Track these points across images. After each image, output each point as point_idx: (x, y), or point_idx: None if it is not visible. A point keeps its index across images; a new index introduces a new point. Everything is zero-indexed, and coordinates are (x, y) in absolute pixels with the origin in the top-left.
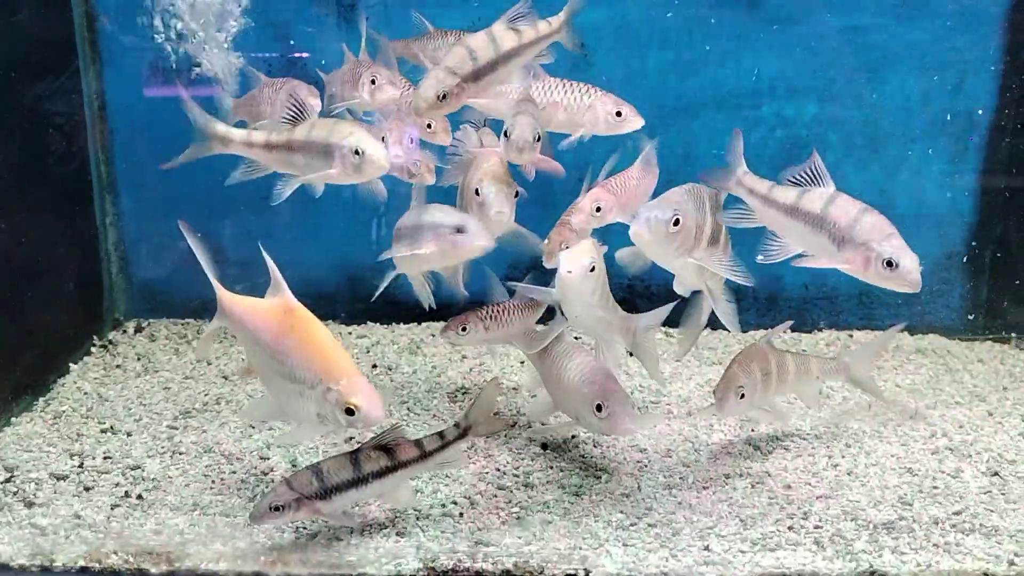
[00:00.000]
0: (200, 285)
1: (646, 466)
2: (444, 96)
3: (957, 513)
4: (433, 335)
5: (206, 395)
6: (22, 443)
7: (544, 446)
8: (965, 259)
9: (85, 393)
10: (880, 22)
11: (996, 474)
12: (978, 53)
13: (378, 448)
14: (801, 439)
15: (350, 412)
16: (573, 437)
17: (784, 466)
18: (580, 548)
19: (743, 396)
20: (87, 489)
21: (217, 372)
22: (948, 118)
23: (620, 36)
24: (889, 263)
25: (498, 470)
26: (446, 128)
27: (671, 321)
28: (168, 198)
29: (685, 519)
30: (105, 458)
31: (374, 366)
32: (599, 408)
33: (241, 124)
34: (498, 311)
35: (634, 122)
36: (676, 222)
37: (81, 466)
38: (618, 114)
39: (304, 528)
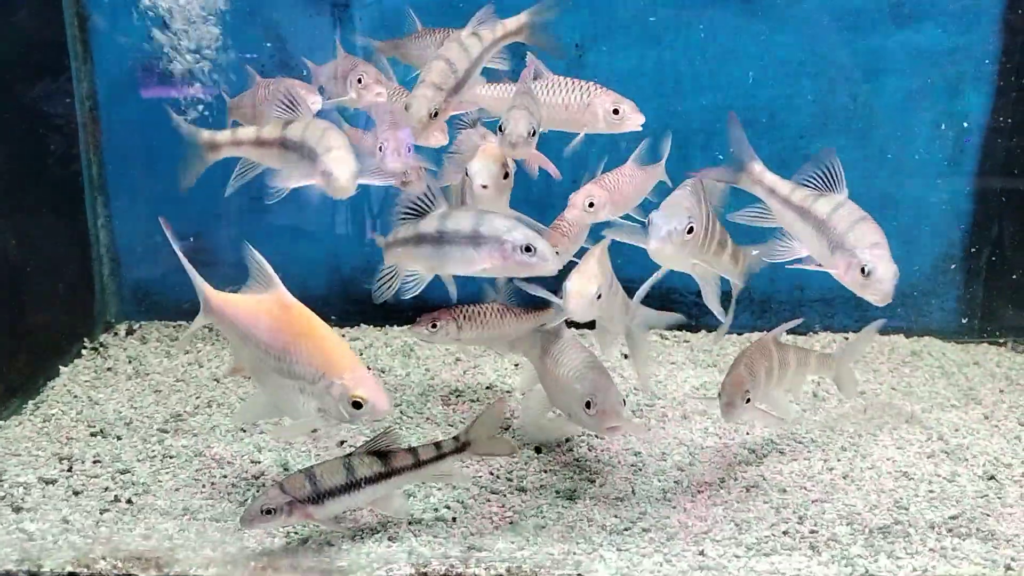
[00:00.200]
0: (192, 287)
1: (640, 470)
2: (435, 113)
3: (953, 517)
4: None
5: (197, 398)
6: (10, 447)
7: (538, 449)
8: (961, 261)
9: (75, 396)
10: (877, 22)
11: (992, 478)
12: (974, 54)
13: (372, 454)
14: (796, 443)
15: (356, 405)
16: (567, 440)
17: (779, 470)
18: (574, 553)
19: (749, 400)
20: (76, 493)
21: (209, 375)
22: (944, 120)
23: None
24: (864, 270)
25: (491, 474)
26: (443, 128)
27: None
28: (160, 200)
29: (679, 523)
30: (95, 462)
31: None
32: (588, 404)
33: (236, 125)
34: (474, 312)
35: (633, 120)
36: (690, 229)
37: (70, 470)
38: (616, 112)
39: (295, 533)
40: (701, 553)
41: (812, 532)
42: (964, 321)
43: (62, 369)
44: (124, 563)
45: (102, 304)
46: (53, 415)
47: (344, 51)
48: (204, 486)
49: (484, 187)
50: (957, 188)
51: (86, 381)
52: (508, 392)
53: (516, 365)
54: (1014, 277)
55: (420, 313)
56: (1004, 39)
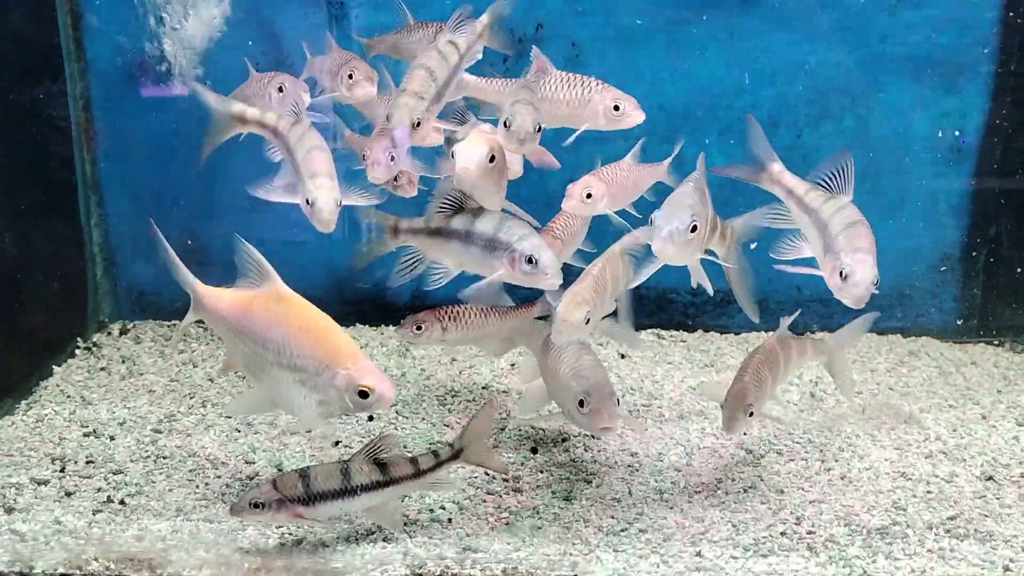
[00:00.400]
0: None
1: (637, 470)
2: (418, 123)
3: (951, 518)
4: None
5: (191, 398)
6: (2, 447)
7: (534, 450)
8: (959, 261)
9: (68, 396)
10: (874, 22)
11: (990, 478)
12: (971, 54)
13: (371, 461)
14: (794, 443)
15: (363, 395)
16: (563, 440)
17: (776, 470)
18: (570, 554)
19: (751, 414)
20: (68, 494)
21: (203, 375)
22: (942, 120)
23: None
24: (842, 273)
25: (487, 475)
26: (438, 128)
27: (665, 322)
28: (154, 199)
29: (676, 524)
30: (87, 462)
31: None
32: (582, 403)
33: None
34: (459, 312)
35: (634, 117)
36: (694, 228)
37: (63, 471)
38: (616, 108)
39: (289, 534)
40: (698, 554)
41: (810, 533)
42: (962, 321)
43: (55, 369)
44: (117, 564)
45: (95, 303)
46: (46, 415)
47: (335, 45)
48: (198, 487)
49: (467, 169)
50: (955, 188)
51: (79, 381)
52: (504, 392)
53: (512, 365)
54: (1012, 277)
55: (417, 313)
56: (1002, 39)
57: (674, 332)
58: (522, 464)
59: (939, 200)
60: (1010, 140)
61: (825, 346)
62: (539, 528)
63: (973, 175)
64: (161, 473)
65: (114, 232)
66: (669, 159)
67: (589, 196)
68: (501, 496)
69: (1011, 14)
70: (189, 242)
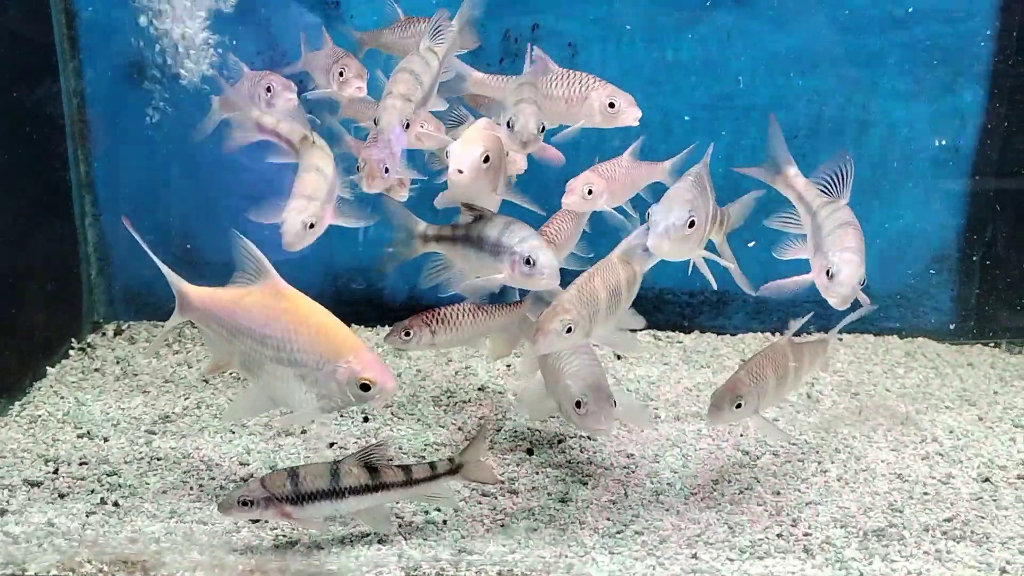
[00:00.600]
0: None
1: (633, 472)
2: (407, 125)
3: (948, 520)
4: None
5: (186, 399)
6: None
7: (530, 451)
8: (955, 262)
9: (62, 397)
10: (871, 22)
11: (987, 480)
12: (969, 54)
13: (362, 465)
14: (790, 444)
15: (364, 388)
16: (560, 442)
17: (773, 472)
18: (566, 556)
19: (739, 406)
20: (62, 496)
21: (197, 376)
22: (938, 120)
23: None
24: (828, 272)
25: None
26: (439, 127)
27: (661, 323)
28: (148, 198)
29: (672, 526)
30: (81, 464)
31: None
32: (578, 404)
33: (226, 121)
34: (446, 314)
35: (629, 114)
36: (692, 223)
37: (56, 472)
38: (611, 105)
39: (283, 536)
40: (694, 556)
41: (806, 535)
42: (959, 322)
43: (49, 370)
44: (110, 567)
45: (90, 304)
46: (39, 416)
47: (330, 41)
48: (192, 488)
49: (460, 172)
50: (951, 189)
51: (73, 382)
52: (500, 392)
53: (508, 366)
54: (1008, 278)
55: (413, 314)
56: (999, 39)
57: (671, 333)
58: (518, 465)
59: (935, 201)
60: (1007, 141)
61: (827, 346)
62: (535, 530)
63: (969, 175)
64: (155, 475)
65: (109, 232)
66: (670, 160)
67: (590, 192)
68: (496, 498)
69: (1007, 11)
70: (188, 246)
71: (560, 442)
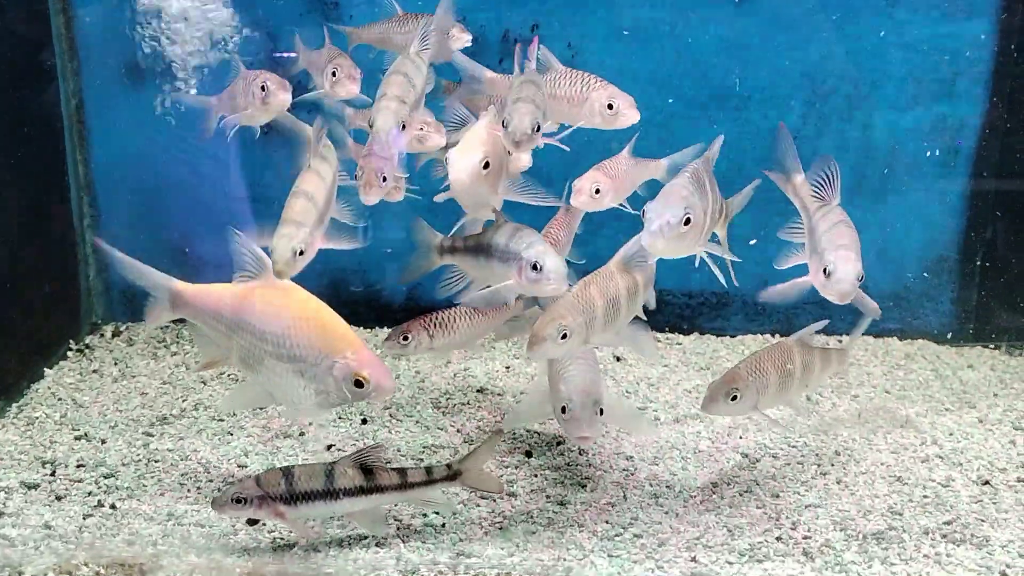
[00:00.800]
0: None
1: (632, 474)
2: (403, 126)
3: (948, 523)
4: None
5: (184, 401)
6: None
7: (528, 453)
8: (955, 264)
9: (60, 399)
10: (871, 23)
11: (987, 483)
12: (969, 56)
13: (358, 467)
14: (790, 447)
15: (359, 385)
16: (559, 444)
17: (772, 474)
18: (564, 559)
19: (735, 398)
20: (59, 498)
21: (195, 378)
22: (938, 121)
23: None
24: (825, 270)
25: None
26: (439, 129)
27: (660, 325)
28: (146, 200)
29: (672, 529)
30: (78, 466)
31: None
32: (564, 410)
33: (221, 119)
34: (443, 318)
35: (628, 116)
36: (687, 221)
37: (53, 474)
38: (610, 107)
39: (281, 538)
40: (693, 559)
41: (805, 538)
42: (959, 324)
43: (47, 371)
44: (107, 569)
45: (88, 305)
46: (37, 418)
47: (328, 40)
48: (189, 491)
49: (459, 179)
50: (951, 190)
51: (71, 383)
52: (499, 395)
53: (507, 368)
54: (1008, 280)
55: (411, 316)
56: (999, 40)
57: (670, 335)
58: (517, 468)
59: (936, 203)
60: (1007, 143)
61: (845, 355)
62: (533, 533)
63: (970, 177)
64: (153, 477)
65: (107, 234)
66: (667, 158)
67: (597, 191)
68: (495, 500)
69: (1008, 12)
70: (186, 249)
71: (559, 444)
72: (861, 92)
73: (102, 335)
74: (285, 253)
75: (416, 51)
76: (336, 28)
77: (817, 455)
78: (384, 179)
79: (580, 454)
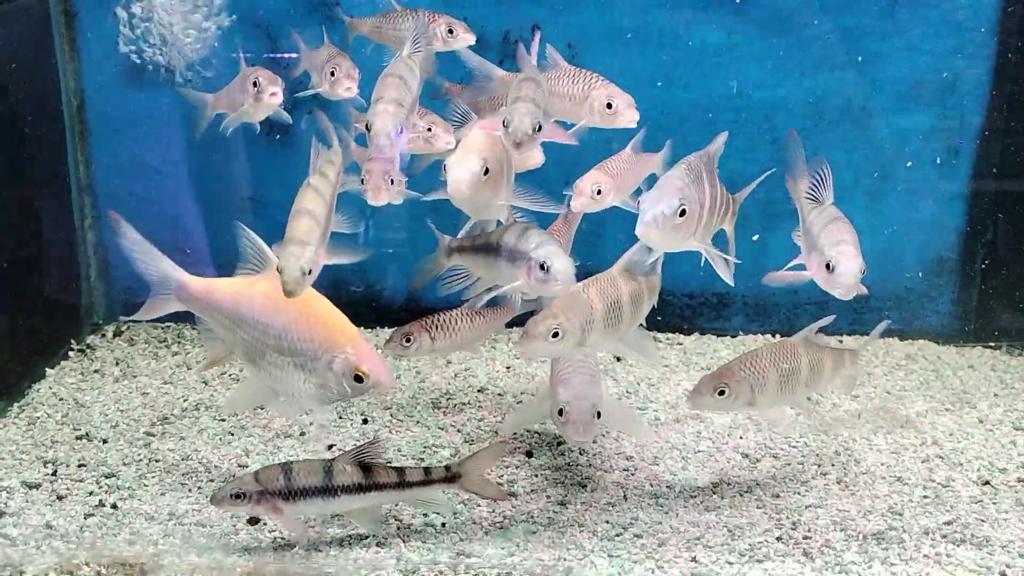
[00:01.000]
0: None
1: (632, 474)
2: (401, 129)
3: (948, 523)
4: None
5: (185, 401)
6: None
7: (529, 454)
8: (956, 264)
9: (61, 399)
10: (871, 25)
11: (987, 483)
12: (969, 57)
13: (356, 464)
14: (790, 447)
15: (358, 379)
16: (559, 444)
17: (773, 475)
18: (564, 559)
19: (722, 393)
20: (60, 498)
21: (197, 378)
22: (938, 122)
23: None
24: (828, 266)
25: None
26: (448, 129)
27: (661, 325)
28: (148, 199)
29: (672, 529)
30: (79, 466)
31: None
32: (560, 412)
33: (221, 117)
34: (445, 319)
35: (626, 116)
36: (682, 212)
37: (54, 474)
38: (609, 106)
39: (282, 538)
40: (694, 559)
41: (806, 538)
42: (959, 324)
43: (48, 371)
44: (108, 569)
45: (89, 305)
46: (38, 418)
47: (327, 40)
48: (191, 490)
49: (457, 187)
50: (952, 191)
51: (72, 383)
52: (500, 395)
53: (508, 368)
54: (1009, 280)
55: (412, 317)
56: (999, 42)
57: (670, 335)
58: (517, 467)
59: (936, 203)
60: (1007, 143)
61: (856, 357)
62: (533, 533)
63: (970, 178)
64: (154, 476)
65: (108, 233)
66: (662, 152)
67: (599, 192)
68: (495, 501)
69: (1008, 13)
70: (187, 251)
71: (559, 444)
72: (861, 92)
73: (103, 335)
74: (295, 273)
75: (408, 53)
76: (340, 18)
77: (817, 455)
78: (392, 181)
79: (580, 454)
